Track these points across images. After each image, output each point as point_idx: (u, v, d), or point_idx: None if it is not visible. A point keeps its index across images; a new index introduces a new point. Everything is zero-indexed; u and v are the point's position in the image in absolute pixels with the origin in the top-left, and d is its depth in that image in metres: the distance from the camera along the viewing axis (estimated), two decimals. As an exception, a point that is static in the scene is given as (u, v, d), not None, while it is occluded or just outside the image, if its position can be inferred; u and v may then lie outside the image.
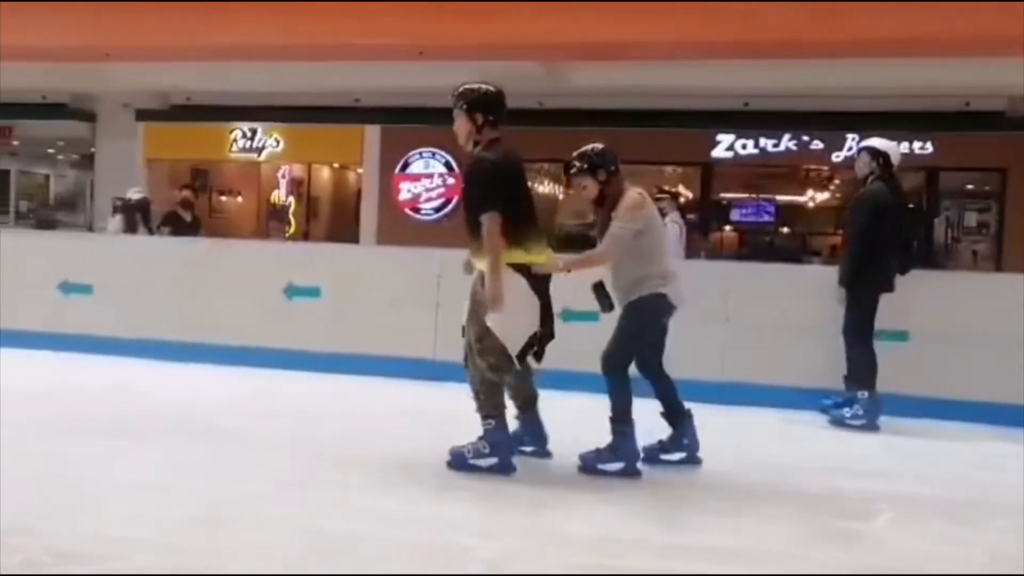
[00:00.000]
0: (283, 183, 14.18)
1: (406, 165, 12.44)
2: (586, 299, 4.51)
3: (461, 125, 4.43)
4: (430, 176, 12.36)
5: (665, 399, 4.60)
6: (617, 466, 4.29)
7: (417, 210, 12.38)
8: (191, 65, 10.25)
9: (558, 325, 4.41)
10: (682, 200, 10.98)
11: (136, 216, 9.20)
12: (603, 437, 4.36)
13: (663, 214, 9.74)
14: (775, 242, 12.80)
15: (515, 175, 4.38)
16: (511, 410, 4.45)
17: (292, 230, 13.74)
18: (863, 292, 5.78)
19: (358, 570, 3.00)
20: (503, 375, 4.28)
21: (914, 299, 6.04)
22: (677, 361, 6.42)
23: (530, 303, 4.25)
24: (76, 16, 9.14)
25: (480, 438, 4.28)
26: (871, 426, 5.71)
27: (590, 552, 3.30)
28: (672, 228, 9.05)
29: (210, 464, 4.20)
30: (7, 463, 4.06)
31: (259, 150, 13.06)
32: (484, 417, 4.28)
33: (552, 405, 4.65)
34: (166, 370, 6.69)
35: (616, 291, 4.46)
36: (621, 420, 4.30)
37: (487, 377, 4.27)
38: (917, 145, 10.86)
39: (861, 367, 5.79)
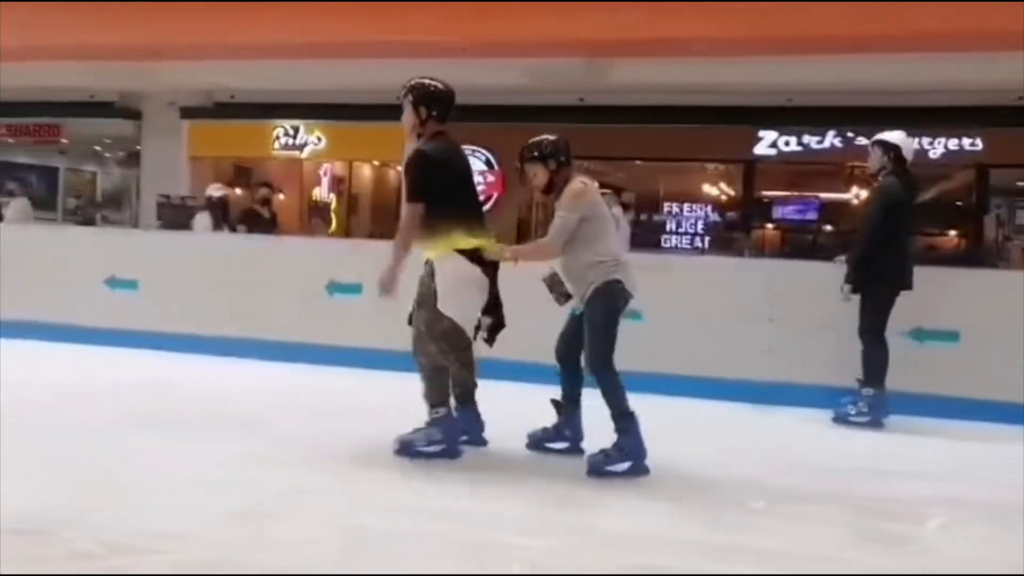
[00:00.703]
0: (324, 180, 14.29)
1: (446, 162, 12.46)
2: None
3: (407, 117, 4.56)
4: (470, 173, 12.36)
5: (572, 389, 4.60)
6: (624, 466, 4.25)
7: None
8: (235, 63, 10.34)
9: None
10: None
11: (219, 213, 9.29)
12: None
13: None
14: (818, 240, 12.63)
15: (453, 167, 4.48)
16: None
17: (333, 227, 13.83)
18: (876, 288, 5.68)
19: (401, 566, 3.00)
20: (454, 358, 4.37)
21: (964, 299, 5.92)
22: (720, 360, 6.41)
23: (482, 289, 4.42)
24: (123, 15, 9.26)
25: (430, 425, 4.38)
26: (875, 423, 5.64)
27: (636, 552, 3.27)
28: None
29: (254, 458, 4.23)
30: (56, 456, 4.15)
31: (301, 147, 13.16)
32: (433, 405, 4.39)
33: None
34: (209, 365, 6.77)
35: (569, 283, 4.48)
36: (623, 417, 4.26)
37: (437, 363, 4.38)
38: (967, 141, 10.65)
39: (871, 364, 5.69)
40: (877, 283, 5.67)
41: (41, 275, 7.86)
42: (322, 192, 14.27)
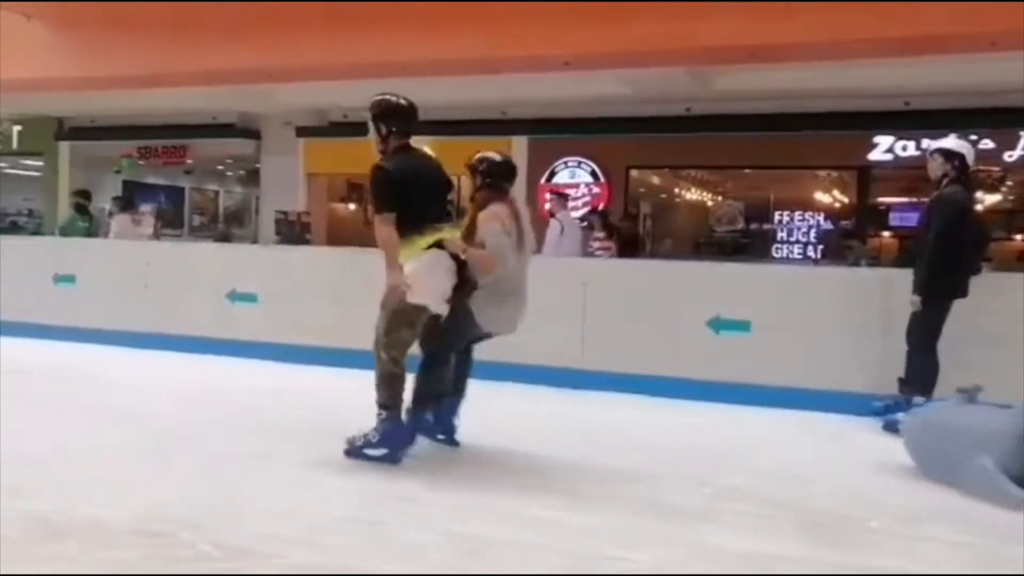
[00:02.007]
0: (433, 195, 14.53)
1: (552, 175, 12.52)
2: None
3: (372, 134, 4.67)
4: (576, 186, 12.39)
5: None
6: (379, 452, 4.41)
7: (563, 220, 12.43)
8: (347, 83, 10.66)
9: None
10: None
11: None
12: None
13: (551, 215, 9.85)
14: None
15: (412, 181, 4.51)
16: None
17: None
18: (939, 299, 5.58)
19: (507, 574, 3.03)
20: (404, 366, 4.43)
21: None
22: (835, 374, 6.22)
23: (450, 272, 4.53)
24: (241, 41, 9.68)
25: (374, 429, 4.42)
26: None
27: (741, 566, 3.22)
28: (553, 227, 9.37)
29: (362, 466, 4.34)
30: (177, 460, 4.36)
31: (410, 163, 13.42)
32: (380, 407, 4.41)
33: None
34: (324, 375, 6.97)
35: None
36: (391, 406, 4.41)
37: (389, 370, 4.41)
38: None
39: (922, 373, 5.58)
40: (941, 293, 5.59)
41: (167, 289, 8.29)
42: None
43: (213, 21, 9.58)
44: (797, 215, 12.06)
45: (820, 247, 11.93)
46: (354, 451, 4.47)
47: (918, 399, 5.49)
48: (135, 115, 14.18)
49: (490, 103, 11.93)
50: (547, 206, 10.45)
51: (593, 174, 12.33)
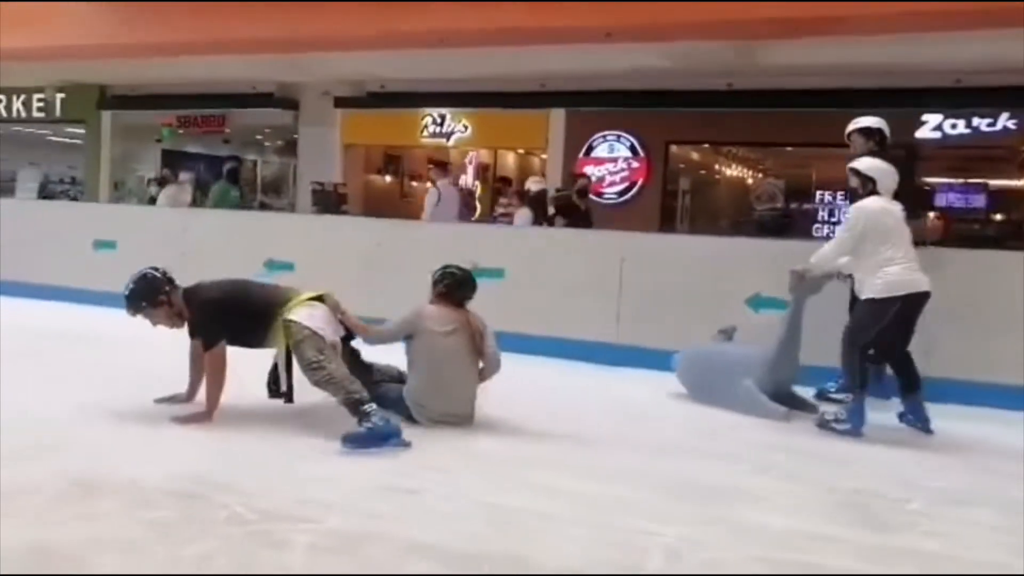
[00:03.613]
0: (470, 168, 14.50)
1: (590, 149, 12.40)
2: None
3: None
4: (614, 160, 12.26)
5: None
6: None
7: (600, 194, 12.31)
8: (385, 54, 10.61)
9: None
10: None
11: (537, 207, 9.39)
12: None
13: (432, 183, 10.12)
14: (986, 230, 11.81)
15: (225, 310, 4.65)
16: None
17: (478, 214, 14.03)
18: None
19: (538, 547, 3.01)
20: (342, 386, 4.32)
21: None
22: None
23: (328, 317, 4.60)
24: (282, 9, 9.67)
25: (365, 422, 4.18)
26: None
27: (779, 546, 3.16)
28: (431, 194, 9.84)
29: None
30: (213, 424, 4.38)
31: (448, 135, 13.39)
32: (360, 405, 4.22)
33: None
34: (355, 343, 6.97)
35: None
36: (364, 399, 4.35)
37: (326, 379, 4.32)
38: None
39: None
40: None
41: (205, 256, 8.33)
42: (467, 179, 14.49)
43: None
44: (840, 194, 11.85)
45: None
46: (358, 443, 4.21)
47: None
48: (175, 84, 14.24)
49: (528, 75, 11.81)
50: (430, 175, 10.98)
51: (632, 148, 12.19)
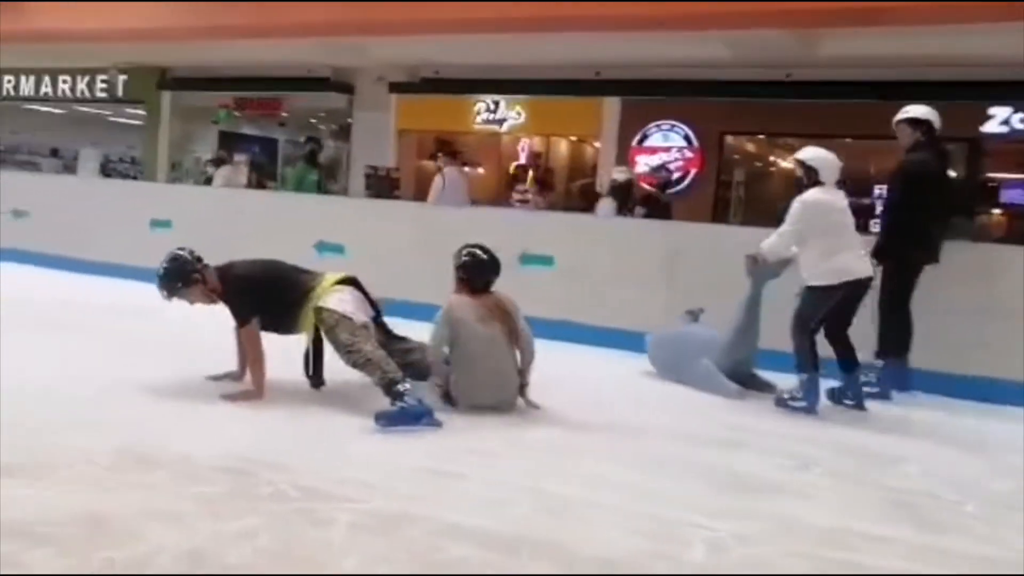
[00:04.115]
0: (522, 155, 14.46)
1: (644, 138, 12.29)
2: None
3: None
4: (668, 149, 12.14)
5: None
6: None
7: (653, 184, 12.22)
8: (440, 39, 10.63)
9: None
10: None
11: (622, 197, 9.25)
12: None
13: (439, 169, 10.08)
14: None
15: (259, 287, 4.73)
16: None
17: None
18: (897, 264, 5.72)
19: (580, 534, 3.00)
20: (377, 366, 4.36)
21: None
22: (933, 353, 5.96)
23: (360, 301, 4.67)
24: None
25: (398, 402, 4.19)
26: (883, 395, 5.65)
27: (825, 543, 3.10)
28: (437, 181, 9.83)
29: (444, 419, 4.32)
30: (264, 402, 4.44)
31: (501, 122, 13.38)
32: (393, 384, 4.25)
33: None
34: (404, 326, 7.00)
35: None
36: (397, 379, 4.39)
37: (363, 361, 4.37)
38: None
39: (893, 336, 5.73)
40: (898, 259, 5.73)
41: (258, 237, 8.43)
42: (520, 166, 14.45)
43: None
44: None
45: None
46: (392, 422, 4.23)
47: (878, 362, 5.74)
48: (233, 67, 14.42)
49: (584, 63, 11.74)
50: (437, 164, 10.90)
51: (687, 138, 12.05)
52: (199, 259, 4.76)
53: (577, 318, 6.98)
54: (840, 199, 5.40)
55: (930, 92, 10.30)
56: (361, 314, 4.60)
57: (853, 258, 5.26)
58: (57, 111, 19.01)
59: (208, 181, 12.54)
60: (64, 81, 16.60)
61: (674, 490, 3.57)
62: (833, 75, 10.52)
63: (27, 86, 17.04)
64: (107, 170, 17.18)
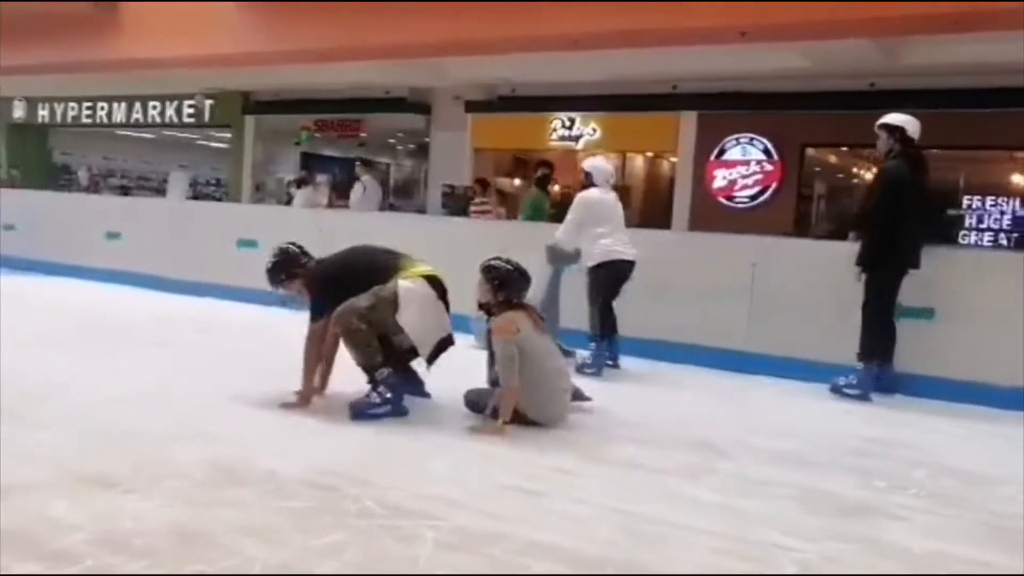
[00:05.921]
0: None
1: (722, 152, 12.15)
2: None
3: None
4: (747, 163, 11.98)
5: None
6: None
7: (731, 197, 12.06)
8: (517, 57, 10.69)
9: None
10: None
11: None
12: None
13: (356, 178, 11.42)
14: None
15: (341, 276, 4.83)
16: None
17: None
18: (883, 271, 5.83)
19: (666, 555, 2.96)
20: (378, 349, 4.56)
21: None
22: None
23: (437, 310, 4.74)
24: (417, 15, 9.87)
25: (375, 387, 4.51)
26: (863, 397, 5.78)
27: (921, 567, 3.00)
28: (356, 189, 11.86)
29: (529, 437, 4.33)
30: (344, 420, 4.50)
31: (577, 139, 13.39)
32: (373, 368, 4.52)
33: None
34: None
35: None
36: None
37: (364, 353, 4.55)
38: None
39: (874, 343, 5.85)
40: (884, 266, 5.85)
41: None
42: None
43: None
44: (989, 200, 11.19)
45: (1015, 235, 11.03)
46: (359, 413, 4.49)
47: (860, 364, 5.86)
48: (314, 90, 14.79)
49: (660, 77, 11.68)
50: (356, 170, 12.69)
51: (766, 151, 11.87)
52: (305, 253, 4.96)
53: (656, 335, 6.91)
54: (611, 198, 6.53)
55: (1017, 99, 9.99)
56: (410, 312, 4.62)
57: (618, 243, 6.33)
58: (147, 135, 19.75)
59: (290, 201, 12.86)
60: (154, 107, 17.26)
61: (763, 510, 3.50)
62: (917, 83, 10.23)
63: (119, 113, 17.77)
64: (195, 192, 17.75)
